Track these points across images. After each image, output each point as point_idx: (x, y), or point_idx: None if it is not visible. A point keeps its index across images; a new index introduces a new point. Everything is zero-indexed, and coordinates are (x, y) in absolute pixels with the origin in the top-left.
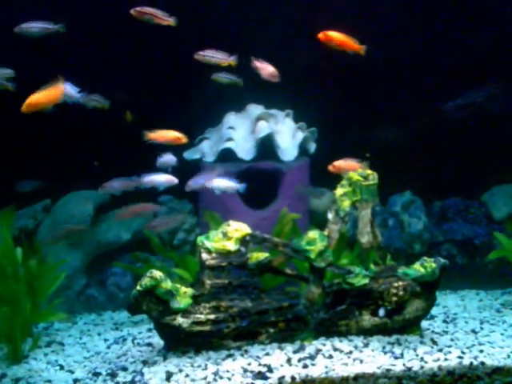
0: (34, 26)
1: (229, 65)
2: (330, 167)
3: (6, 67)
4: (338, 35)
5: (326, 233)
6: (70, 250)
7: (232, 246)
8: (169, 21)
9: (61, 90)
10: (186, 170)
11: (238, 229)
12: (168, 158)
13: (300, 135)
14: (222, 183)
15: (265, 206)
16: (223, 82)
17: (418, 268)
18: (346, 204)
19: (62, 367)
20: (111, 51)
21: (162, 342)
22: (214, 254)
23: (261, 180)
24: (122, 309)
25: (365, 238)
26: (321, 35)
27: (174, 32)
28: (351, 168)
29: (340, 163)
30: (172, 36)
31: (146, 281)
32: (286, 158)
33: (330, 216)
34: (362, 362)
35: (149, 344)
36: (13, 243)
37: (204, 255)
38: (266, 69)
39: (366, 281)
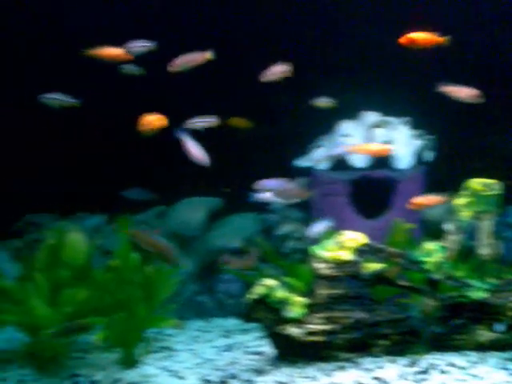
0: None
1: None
2: (409, 205)
3: None
4: (420, 35)
5: (444, 244)
6: (183, 256)
7: (346, 255)
8: (206, 56)
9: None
10: (298, 177)
11: (352, 238)
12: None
13: (416, 143)
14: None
15: (378, 216)
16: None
17: None
18: (466, 214)
19: (173, 373)
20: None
21: (272, 351)
22: (328, 264)
23: (374, 189)
24: (231, 316)
25: (485, 250)
26: (403, 40)
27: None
28: (431, 203)
29: (419, 200)
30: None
31: (259, 289)
32: (401, 166)
33: (449, 227)
34: (477, 378)
35: (259, 352)
36: (130, 249)
37: (318, 264)
38: (463, 91)
39: (484, 294)
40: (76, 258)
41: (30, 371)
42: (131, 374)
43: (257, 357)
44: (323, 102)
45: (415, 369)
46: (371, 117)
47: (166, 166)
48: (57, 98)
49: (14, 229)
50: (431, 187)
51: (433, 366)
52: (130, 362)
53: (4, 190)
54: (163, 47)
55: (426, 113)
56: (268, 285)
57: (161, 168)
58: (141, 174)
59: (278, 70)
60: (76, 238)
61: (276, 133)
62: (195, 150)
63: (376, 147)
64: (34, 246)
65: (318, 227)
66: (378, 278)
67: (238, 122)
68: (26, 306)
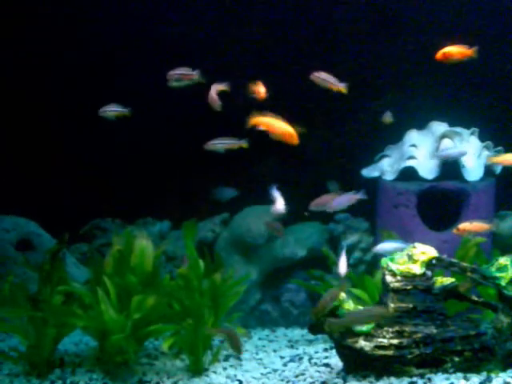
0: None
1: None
2: (455, 230)
3: None
4: (455, 49)
5: None
6: (247, 264)
7: (417, 269)
8: (194, 75)
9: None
10: (365, 187)
11: (424, 251)
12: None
13: (486, 155)
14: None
15: (447, 228)
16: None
17: None
18: None
19: (240, 382)
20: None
21: (340, 364)
22: (398, 277)
23: (443, 200)
24: (296, 326)
25: None
26: (439, 55)
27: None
28: (477, 229)
29: (465, 225)
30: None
31: None
32: (471, 178)
33: None
34: None
35: (326, 364)
36: (197, 256)
37: (388, 277)
38: None
39: None
40: (144, 264)
41: (98, 375)
42: (199, 382)
43: (325, 369)
44: (387, 117)
45: None
46: (440, 127)
47: (228, 174)
48: (112, 110)
49: (81, 233)
50: (501, 200)
51: None
52: (198, 370)
53: (71, 194)
54: None
55: (495, 123)
56: None
57: (224, 176)
58: (204, 181)
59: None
60: (144, 244)
61: (343, 142)
62: (279, 203)
63: None
64: (101, 250)
65: (387, 246)
66: (450, 293)
67: None
68: (95, 311)
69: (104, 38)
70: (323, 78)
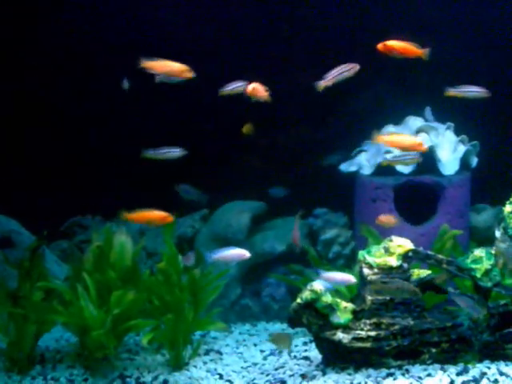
0: None
1: None
2: (376, 221)
3: None
4: (398, 44)
5: (493, 251)
6: None
7: (394, 261)
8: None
9: None
10: (343, 182)
11: (400, 244)
12: None
13: (461, 149)
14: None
15: (423, 222)
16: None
17: None
18: None
19: (221, 376)
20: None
21: (319, 356)
22: (375, 270)
23: (419, 194)
24: (276, 320)
25: None
26: (380, 46)
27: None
28: (387, 222)
29: (381, 217)
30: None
31: (306, 294)
32: (447, 172)
33: (498, 234)
34: None
35: (306, 357)
36: (177, 251)
37: (365, 270)
38: None
39: None
40: (123, 260)
41: (79, 371)
42: (179, 377)
43: (304, 362)
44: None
45: (466, 377)
46: (416, 122)
47: (210, 170)
48: None
49: (61, 230)
50: (476, 193)
51: (484, 376)
52: (178, 364)
53: (52, 191)
54: None
55: (470, 117)
56: (316, 290)
57: (206, 171)
58: (187, 176)
59: None
60: (123, 240)
61: (320, 137)
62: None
63: None
64: (82, 247)
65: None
66: (426, 285)
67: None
68: (75, 307)
69: (105, 37)
70: None
